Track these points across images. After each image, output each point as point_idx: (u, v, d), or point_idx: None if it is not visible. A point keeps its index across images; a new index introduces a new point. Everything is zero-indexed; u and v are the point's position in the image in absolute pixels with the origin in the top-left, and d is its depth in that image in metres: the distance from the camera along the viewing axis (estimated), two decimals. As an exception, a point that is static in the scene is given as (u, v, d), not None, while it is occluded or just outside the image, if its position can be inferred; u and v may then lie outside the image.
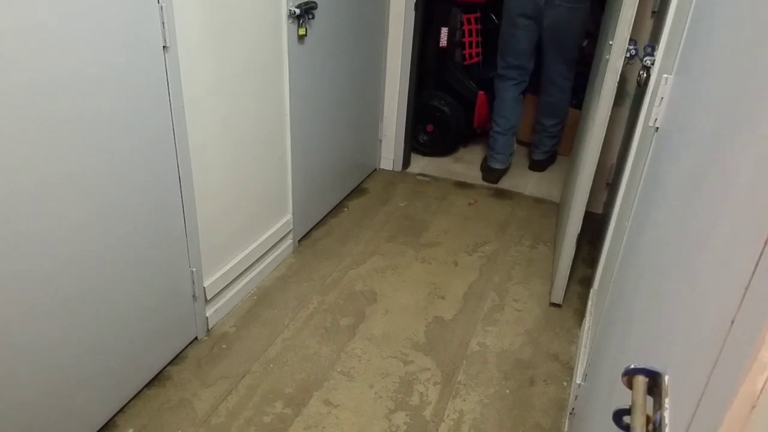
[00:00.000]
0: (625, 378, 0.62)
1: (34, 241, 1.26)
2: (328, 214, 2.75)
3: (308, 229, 2.59)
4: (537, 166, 3.37)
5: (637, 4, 1.66)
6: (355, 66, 2.66)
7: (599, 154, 1.92)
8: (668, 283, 0.75)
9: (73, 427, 1.50)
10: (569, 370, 1.93)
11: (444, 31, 3.22)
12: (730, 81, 0.70)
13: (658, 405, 0.58)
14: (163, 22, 1.46)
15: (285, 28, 2.04)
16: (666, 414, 0.56)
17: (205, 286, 1.90)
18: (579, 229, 2.07)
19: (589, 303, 1.98)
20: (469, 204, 2.96)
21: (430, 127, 3.41)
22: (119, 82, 1.38)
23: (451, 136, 3.42)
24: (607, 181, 2.80)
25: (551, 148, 3.32)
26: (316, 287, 2.26)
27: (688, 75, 1.03)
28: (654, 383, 0.61)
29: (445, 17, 3.21)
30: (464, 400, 1.80)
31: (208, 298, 1.94)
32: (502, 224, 2.79)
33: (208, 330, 1.98)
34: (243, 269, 2.12)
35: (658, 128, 1.24)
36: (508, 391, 1.85)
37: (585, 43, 3.16)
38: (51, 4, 1.17)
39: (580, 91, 3.11)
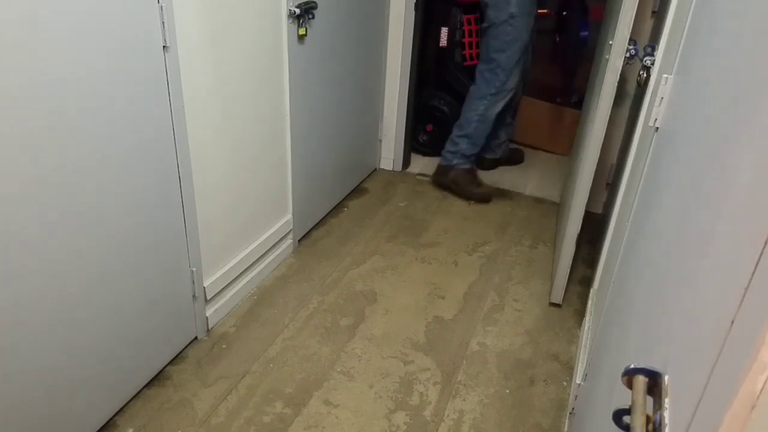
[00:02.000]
0: (625, 378, 0.62)
1: (34, 241, 1.25)
2: (328, 214, 2.75)
3: (308, 229, 2.59)
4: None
5: (637, 4, 1.66)
6: (355, 66, 2.66)
7: (599, 154, 1.92)
8: (668, 283, 0.75)
9: (73, 426, 1.50)
10: (569, 370, 1.93)
11: (444, 31, 3.22)
12: (730, 81, 0.70)
13: (658, 405, 0.58)
14: (163, 22, 1.46)
15: (285, 28, 2.04)
16: (666, 414, 0.56)
17: (205, 285, 1.90)
18: (579, 229, 2.07)
19: (589, 303, 1.98)
20: (469, 204, 2.96)
21: (429, 127, 3.41)
22: (119, 82, 1.38)
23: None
24: (607, 181, 2.80)
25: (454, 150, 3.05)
26: (316, 287, 2.26)
27: (688, 75, 1.03)
28: (654, 383, 0.61)
29: (445, 17, 3.21)
30: (464, 400, 1.80)
31: (208, 297, 1.94)
32: (502, 224, 2.79)
33: (208, 330, 1.98)
34: (243, 269, 2.12)
35: (658, 128, 1.24)
36: (508, 391, 1.85)
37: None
38: (50, 3, 1.17)
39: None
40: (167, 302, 1.75)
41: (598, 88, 1.93)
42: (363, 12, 2.61)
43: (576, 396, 1.61)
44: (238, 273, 2.10)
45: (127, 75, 1.40)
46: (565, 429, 1.69)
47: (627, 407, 0.59)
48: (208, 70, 1.72)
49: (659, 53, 1.49)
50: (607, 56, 1.81)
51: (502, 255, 2.54)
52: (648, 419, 0.57)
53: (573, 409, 1.64)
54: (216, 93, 1.78)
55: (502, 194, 3.09)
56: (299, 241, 2.51)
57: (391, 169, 3.29)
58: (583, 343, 1.84)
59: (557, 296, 2.22)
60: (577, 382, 1.64)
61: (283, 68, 2.10)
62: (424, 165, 3.38)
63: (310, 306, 2.16)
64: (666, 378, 0.60)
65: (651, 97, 1.41)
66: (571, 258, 2.12)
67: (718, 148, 0.67)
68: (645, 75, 1.55)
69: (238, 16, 1.80)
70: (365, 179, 3.15)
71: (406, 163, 3.33)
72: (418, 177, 3.24)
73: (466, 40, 3.28)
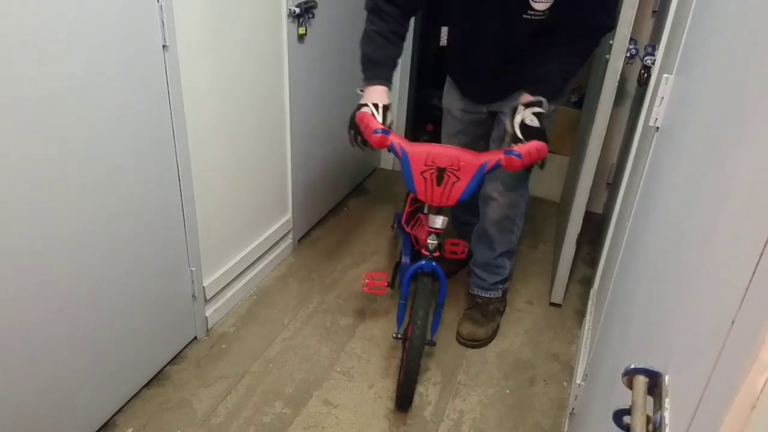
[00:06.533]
0: (625, 378, 0.62)
1: (33, 242, 1.25)
2: (328, 213, 2.75)
3: (308, 229, 2.59)
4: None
5: (637, 4, 1.66)
6: (355, 65, 2.66)
7: (599, 154, 1.92)
8: (668, 283, 0.75)
9: (73, 426, 1.50)
10: (569, 370, 1.93)
11: (444, 30, 3.22)
12: (730, 81, 0.70)
13: (658, 405, 0.58)
14: (162, 22, 1.46)
15: (285, 27, 2.04)
16: (666, 414, 0.55)
17: (204, 285, 1.90)
18: (579, 229, 2.07)
19: (589, 303, 1.98)
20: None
21: (430, 127, 3.41)
22: (119, 82, 1.38)
23: None
24: (607, 181, 2.80)
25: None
26: (316, 287, 2.26)
27: (688, 75, 1.03)
28: (654, 383, 0.61)
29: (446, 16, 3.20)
30: (464, 400, 1.80)
31: (208, 297, 1.94)
32: (502, 224, 2.78)
33: (207, 330, 1.98)
34: (243, 269, 2.12)
35: (658, 128, 1.24)
36: (508, 391, 1.84)
37: None
38: (50, 4, 1.17)
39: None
40: (167, 302, 1.75)
41: (598, 88, 1.93)
42: (363, 11, 2.61)
43: (576, 396, 1.61)
44: (238, 273, 2.10)
45: (126, 74, 1.40)
46: (565, 429, 1.69)
47: (627, 407, 0.59)
48: (208, 70, 1.72)
49: (660, 53, 1.49)
50: (607, 56, 1.81)
51: (502, 255, 2.53)
52: (648, 419, 0.57)
53: (573, 409, 1.64)
54: (215, 92, 1.78)
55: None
56: (299, 240, 2.50)
57: (391, 168, 3.29)
58: (583, 343, 1.83)
59: (557, 296, 2.22)
60: (577, 382, 1.64)
61: (283, 68, 2.10)
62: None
63: (310, 306, 2.15)
64: (666, 378, 0.59)
65: (651, 96, 1.41)
66: (571, 258, 2.11)
67: (719, 147, 0.67)
68: (645, 75, 1.55)
69: (238, 16, 1.80)
70: (365, 179, 3.14)
71: (406, 162, 3.32)
72: (418, 177, 3.24)
73: (467, 39, 3.27)
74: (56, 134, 1.25)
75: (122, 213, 1.48)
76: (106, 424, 1.61)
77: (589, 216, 2.20)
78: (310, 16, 2.13)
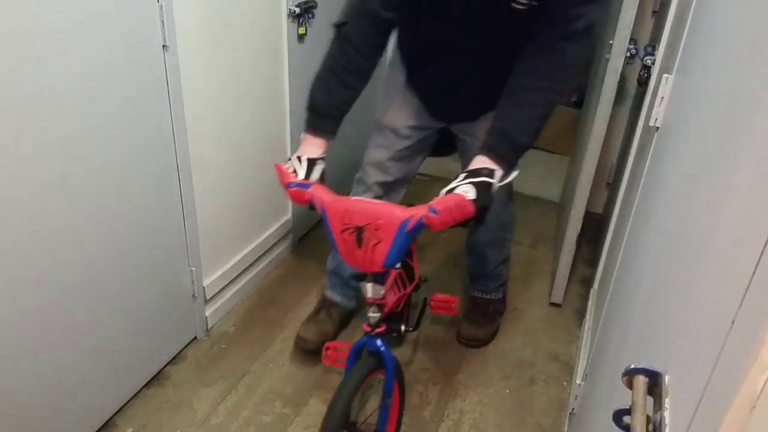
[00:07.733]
0: (625, 378, 0.62)
1: (35, 241, 1.25)
2: (328, 213, 2.74)
3: (308, 229, 2.59)
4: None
5: (637, 4, 1.66)
6: (355, 66, 2.66)
7: (599, 154, 1.92)
8: (668, 283, 0.75)
9: (72, 426, 1.50)
10: (569, 370, 1.93)
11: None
12: (730, 81, 0.70)
13: (658, 405, 0.58)
14: (162, 21, 1.46)
15: (285, 27, 2.04)
16: (666, 414, 0.55)
17: (204, 285, 1.90)
18: (579, 229, 2.07)
19: (589, 303, 1.98)
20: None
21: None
22: (118, 82, 1.38)
23: (451, 135, 3.41)
24: (607, 181, 2.80)
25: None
26: (315, 287, 2.25)
27: (688, 75, 1.03)
28: (654, 383, 0.60)
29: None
30: (464, 400, 1.80)
31: (208, 297, 1.94)
32: (502, 224, 2.78)
33: (207, 330, 1.98)
34: (243, 269, 2.12)
35: (658, 128, 1.24)
36: (508, 391, 1.84)
37: None
38: (50, 3, 1.17)
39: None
40: (167, 302, 1.75)
41: (598, 88, 1.93)
42: (363, 12, 2.61)
43: (576, 396, 1.61)
44: (238, 273, 2.10)
45: (126, 74, 1.40)
46: (565, 429, 1.69)
47: (627, 407, 0.59)
48: (208, 70, 1.72)
49: (660, 53, 1.49)
50: (607, 56, 1.81)
51: (502, 255, 2.53)
52: (648, 419, 0.57)
53: (573, 409, 1.64)
54: (216, 92, 1.78)
55: (502, 194, 3.08)
56: (299, 240, 2.50)
57: (391, 168, 3.28)
58: (583, 343, 1.83)
59: (557, 296, 2.22)
60: (577, 382, 1.64)
61: (283, 67, 2.10)
62: (424, 165, 3.37)
63: (310, 305, 2.15)
64: (666, 378, 0.59)
65: (651, 96, 1.41)
66: (571, 258, 2.11)
67: (719, 147, 0.67)
68: (645, 75, 1.55)
69: (238, 15, 1.80)
70: (365, 179, 3.14)
71: (406, 162, 3.30)
72: (418, 177, 3.24)
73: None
74: (56, 134, 1.25)
75: (122, 213, 1.48)
76: (105, 424, 1.61)
77: (589, 216, 2.20)
78: (310, 16, 2.13)
